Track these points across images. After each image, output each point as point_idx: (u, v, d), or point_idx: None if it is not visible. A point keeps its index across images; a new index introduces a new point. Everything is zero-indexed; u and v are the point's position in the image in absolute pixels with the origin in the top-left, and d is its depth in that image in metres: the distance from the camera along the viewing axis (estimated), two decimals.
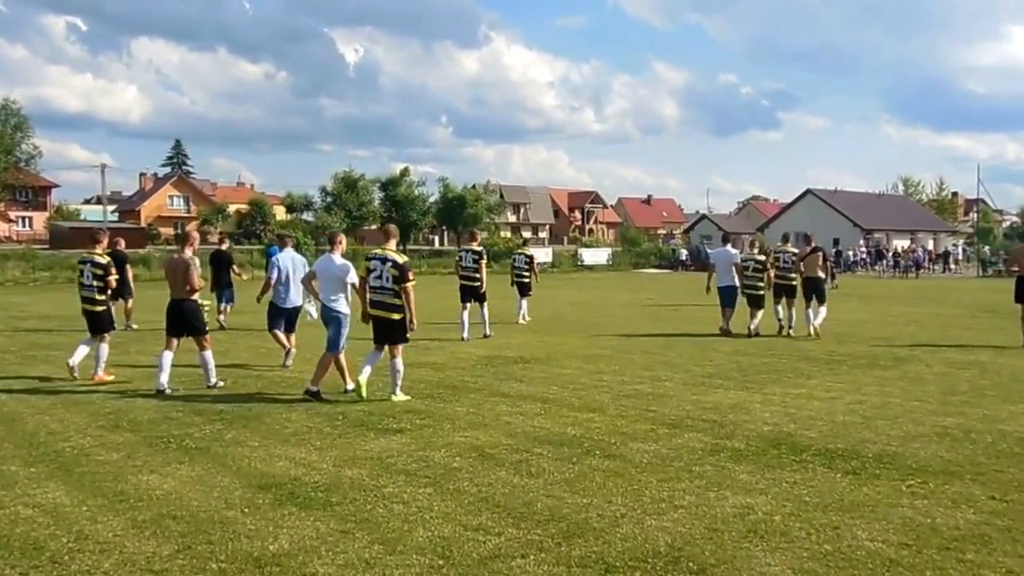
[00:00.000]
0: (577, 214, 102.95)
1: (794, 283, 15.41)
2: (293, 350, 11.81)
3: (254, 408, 8.91)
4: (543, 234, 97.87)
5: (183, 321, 9.82)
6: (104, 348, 10.71)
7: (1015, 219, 76.71)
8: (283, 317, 11.87)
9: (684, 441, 7.34)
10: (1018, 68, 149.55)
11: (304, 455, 7.00)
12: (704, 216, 62.68)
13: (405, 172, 67.08)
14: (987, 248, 53.31)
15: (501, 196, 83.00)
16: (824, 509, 5.54)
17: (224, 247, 17.68)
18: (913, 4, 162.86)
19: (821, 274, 15.68)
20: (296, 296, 11.89)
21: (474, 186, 71.69)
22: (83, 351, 10.70)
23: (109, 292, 10.81)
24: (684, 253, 54.53)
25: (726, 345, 13.83)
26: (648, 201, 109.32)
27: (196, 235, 10.85)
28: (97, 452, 7.18)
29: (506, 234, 78.55)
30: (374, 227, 68.70)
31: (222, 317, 16.66)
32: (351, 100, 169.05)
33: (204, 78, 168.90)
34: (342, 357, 9.54)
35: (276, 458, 6.92)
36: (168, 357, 9.84)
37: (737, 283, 15.42)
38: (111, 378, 10.53)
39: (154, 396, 9.50)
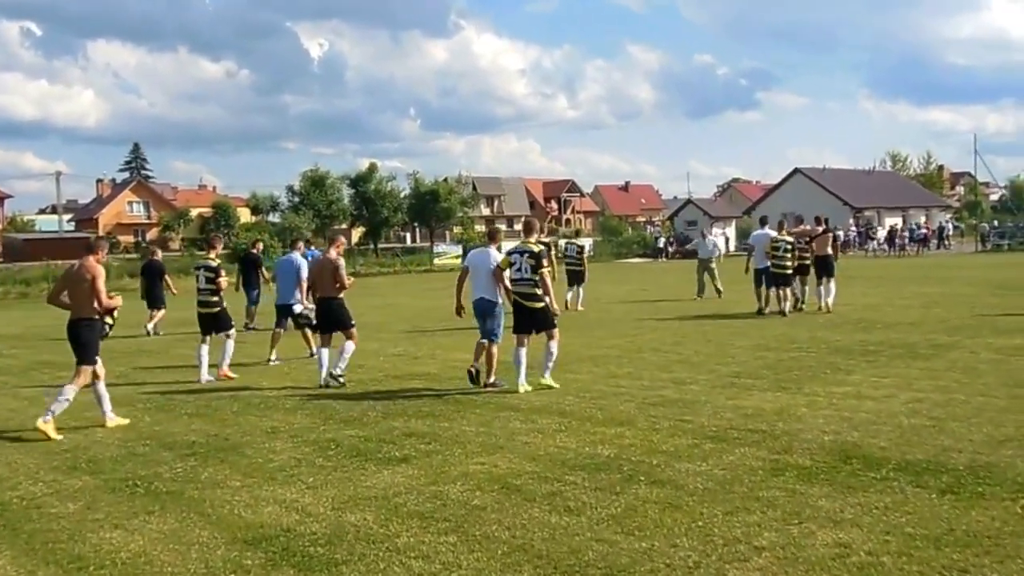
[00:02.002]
0: (553, 204, 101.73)
1: (808, 262, 16.34)
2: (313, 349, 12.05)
3: (231, 437, 7.79)
4: (518, 226, 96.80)
5: (333, 317, 10.29)
6: (230, 345, 11.13)
7: (1003, 191, 76.53)
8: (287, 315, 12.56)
9: (737, 458, 6.31)
10: (997, 38, 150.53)
11: (296, 496, 5.90)
12: (689, 201, 61.76)
13: (373, 168, 65.72)
14: (985, 223, 52.72)
15: (474, 188, 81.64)
16: (937, 544, 4.53)
17: (211, 254, 16.07)
18: None
19: (831, 252, 16.64)
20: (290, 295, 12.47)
21: (446, 179, 70.37)
22: (205, 357, 11.01)
23: (222, 293, 11.15)
24: (662, 240, 53.62)
25: (743, 339, 12.84)
26: (626, 188, 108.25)
27: (342, 238, 11.98)
28: (50, 503, 6.05)
29: (481, 227, 77.47)
30: (344, 226, 67.40)
31: (151, 325, 17.16)
32: (316, 96, 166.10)
33: (163, 79, 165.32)
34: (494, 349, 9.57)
35: (263, 501, 5.82)
36: (325, 354, 10.31)
37: (770, 263, 15.93)
38: (236, 376, 11.03)
39: (115, 431, 8.32)
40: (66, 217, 79.97)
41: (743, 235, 53.14)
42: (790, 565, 4.36)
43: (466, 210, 72.61)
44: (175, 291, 17.84)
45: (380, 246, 64.16)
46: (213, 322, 11.12)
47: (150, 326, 17.07)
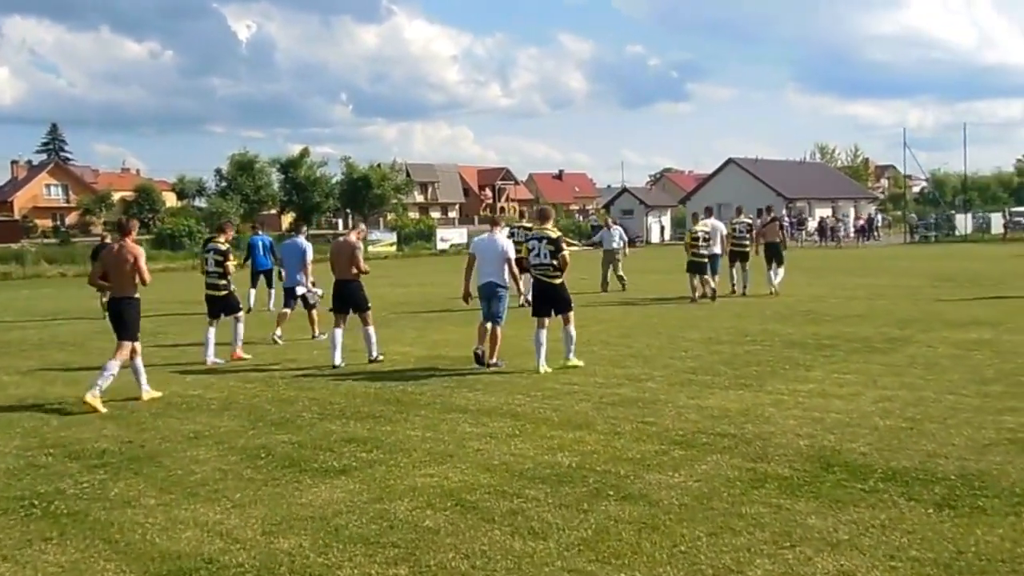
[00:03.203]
0: (488, 192, 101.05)
1: (747, 249, 18.00)
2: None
3: (148, 444, 6.98)
4: (453, 213, 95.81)
5: (350, 299, 10.48)
6: (240, 327, 11.29)
7: (925, 184, 78.42)
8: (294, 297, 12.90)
9: (711, 468, 5.79)
10: (917, 35, 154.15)
11: (220, 517, 5.17)
12: (625, 189, 61.54)
13: (305, 153, 64.06)
14: (914, 215, 53.70)
15: (408, 175, 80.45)
16: (949, 571, 4.06)
17: (221, 238, 14.54)
18: None
19: (779, 239, 18.29)
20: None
21: (379, 165, 68.99)
22: (212, 339, 11.06)
23: (230, 276, 11.31)
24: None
25: (694, 331, 12.42)
26: (560, 176, 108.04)
27: (363, 225, 12.77)
28: None
29: (414, 215, 76.17)
30: (273, 211, 65.60)
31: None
32: (244, 79, 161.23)
33: (83, 58, 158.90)
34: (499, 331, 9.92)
35: (181, 524, 5.07)
36: (339, 334, 10.42)
37: (719, 251, 17.35)
38: (249, 356, 11.19)
39: (10, 435, 7.44)
40: None
41: (679, 224, 53.29)
42: None
43: (400, 197, 71.43)
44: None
45: (311, 232, 62.49)
46: (222, 305, 11.28)
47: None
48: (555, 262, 9.57)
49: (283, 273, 13.39)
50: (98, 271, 9.01)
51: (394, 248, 47.72)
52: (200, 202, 64.29)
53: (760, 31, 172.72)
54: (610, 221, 22.50)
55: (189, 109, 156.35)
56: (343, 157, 68.70)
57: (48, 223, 71.01)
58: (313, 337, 12.59)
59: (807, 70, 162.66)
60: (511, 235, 19.85)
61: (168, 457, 6.55)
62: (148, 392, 8.74)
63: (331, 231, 70.28)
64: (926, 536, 4.49)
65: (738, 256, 17.91)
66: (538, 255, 9.69)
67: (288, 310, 13.02)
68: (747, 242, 17.97)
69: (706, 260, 16.72)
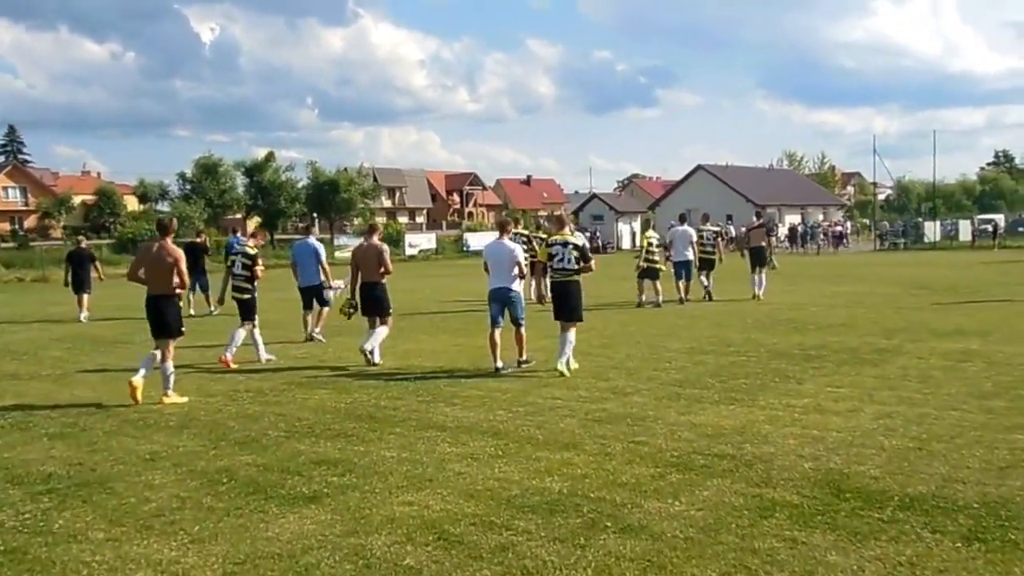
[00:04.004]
0: (456, 197, 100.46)
1: (713, 257, 18.54)
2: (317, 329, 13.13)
3: (99, 467, 6.41)
4: (420, 219, 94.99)
5: (375, 301, 10.69)
6: (241, 333, 11.22)
7: (891, 191, 79.18)
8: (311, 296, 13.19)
9: (713, 494, 5.36)
10: (883, 43, 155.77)
11: (176, 554, 4.64)
12: (594, 195, 61.37)
13: (270, 157, 62.99)
14: (886, 222, 53.94)
15: (375, 180, 79.56)
16: None
17: (250, 242, 13.85)
18: None
19: (764, 244, 18.52)
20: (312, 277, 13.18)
21: (346, 169, 68.07)
22: (259, 337, 11.34)
23: (256, 281, 11.48)
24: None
25: (675, 341, 12.03)
26: (528, 182, 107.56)
27: (380, 225, 13.27)
28: None
29: (382, 219, 75.28)
30: (239, 216, 64.39)
31: (80, 310, 17.64)
32: (208, 82, 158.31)
33: (43, 59, 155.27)
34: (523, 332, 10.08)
35: (133, 563, 4.54)
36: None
37: (690, 256, 17.57)
38: (236, 366, 10.83)
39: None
40: None
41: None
42: None
43: (367, 202, 70.54)
44: (103, 277, 18.89)
45: (277, 237, 61.49)
46: (242, 307, 11.41)
47: (83, 316, 17.48)
48: (578, 267, 9.73)
49: (297, 274, 13.45)
50: (136, 268, 9.09)
51: None
52: (163, 206, 62.94)
53: (728, 38, 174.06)
54: (572, 226, 21.71)
55: (152, 112, 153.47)
56: (309, 161, 67.84)
57: (6, 226, 69.22)
58: (311, 336, 12.99)
59: (774, 77, 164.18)
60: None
61: (121, 482, 5.99)
62: (171, 397, 8.67)
63: (297, 236, 69.16)
64: None
65: (704, 264, 18.24)
66: (562, 260, 9.78)
67: (309, 311, 13.23)
68: (712, 250, 18.52)
69: (659, 267, 17.22)
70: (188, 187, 60.08)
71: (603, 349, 11.49)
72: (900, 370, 9.34)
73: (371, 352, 10.49)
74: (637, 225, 57.69)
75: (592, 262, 9.89)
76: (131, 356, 12.02)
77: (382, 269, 10.64)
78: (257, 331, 11.34)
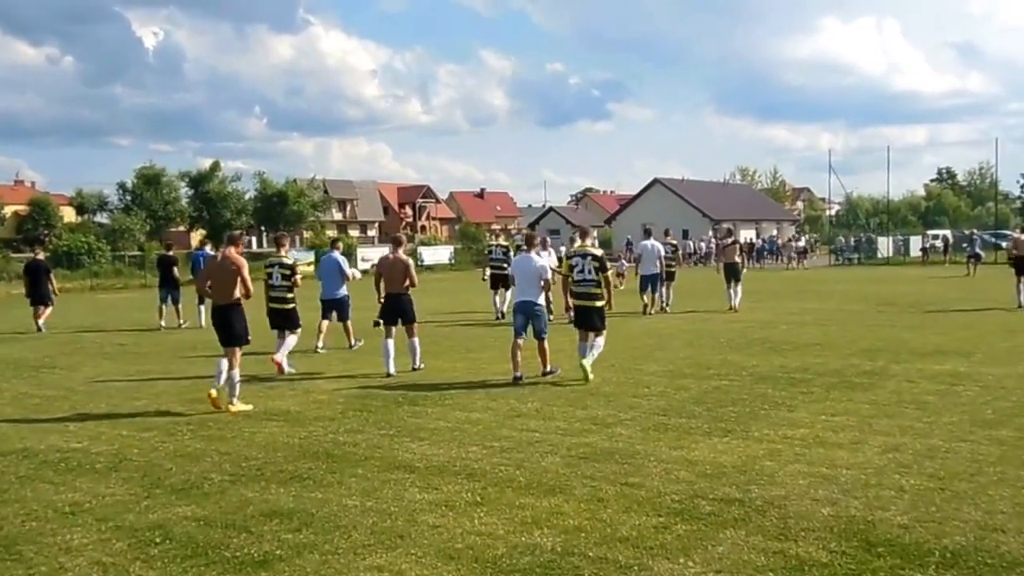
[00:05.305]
0: (408, 210, 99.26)
1: (673, 270, 19.29)
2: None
3: (7, 524, 5.48)
4: (372, 232, 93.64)
5: (400, 310, 10.98)
6: (292, 340, 11.62)
7: (839, 206, 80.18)
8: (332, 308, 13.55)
9: (728, 550, 4.67)
10: (829, 60, 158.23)
11: None
12: (551, 209, 61.07)
13: (216, 167, 61.39)
14: (842, 237, 54.21)
15: (326, 192, 78.20)
16: None
17: (283, 252, 14.17)
18: None
19: (738, 260, 19.09)
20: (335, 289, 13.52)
21: (295, 181, 66.65)
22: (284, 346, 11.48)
23: (296, 291, 11.89)
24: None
25: (651, 363, 11.38)
26: (481, 195, 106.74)
27: (404, 238, 12.76)
28: None
29: (333, 233, 73.76)
30: (182, 228, 62.60)
31: (41, 321, 17.99)
32: (151, 89, 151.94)
33: None
34: (546, 344, 10.33)
35: None
36: (391, 344, 10.88)
37: (657, 270, 17.70)
38: (292, 369, 11.25)
39: None
40: None
41: (605, 244, 52.77)
42: None
43: (317, 214, 69.24)
44: (57, 292, 19.14)
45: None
46: (285, 319, 11.77)
47: (40, 322, 17.92)
48: (598, 278, 9.93)
49: (322, 287, 13.75)
50: (204, 280, 9.42)
51: (312, 268, 45.77)
52: (102, 217, 60.68)
53: (679, 53, 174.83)
54: (593, 239, 21.16)
55: (92, 119, 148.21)
56: (257, 172, 66.18)
57: None
58: (350, 346, 13.43)
59: (725, 92, 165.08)
60: (488, 252, 19.21)
61: (32, 544, 5.09)
62: (237, 405, 8.82)
63: (245, 250, 67.28)
64: None
65: (666, 276, 18.72)
66: (582, 271, 10.02)
67: (326, 321, 13.53)
68: (673, 263, 19.39)
69: (674, 271, 18.98)
70: (128, 198, 58.12)
71: (575, 372, 10.78)
72: (892, 395, 8.80)
73: (419, 365, 11.14)
74: (594, 239, 57.33)
75: (610, 273, 10.32)
76: (53, 383, 11.06)
77: (407, 282, 10.94)
78: (294, 338, 11.64)
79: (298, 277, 11.85)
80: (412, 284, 11.03)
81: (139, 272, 41.44)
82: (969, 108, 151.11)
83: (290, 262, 12.05)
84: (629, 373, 10.60)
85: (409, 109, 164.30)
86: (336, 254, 14.18)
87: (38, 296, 18.49)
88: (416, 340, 11.17)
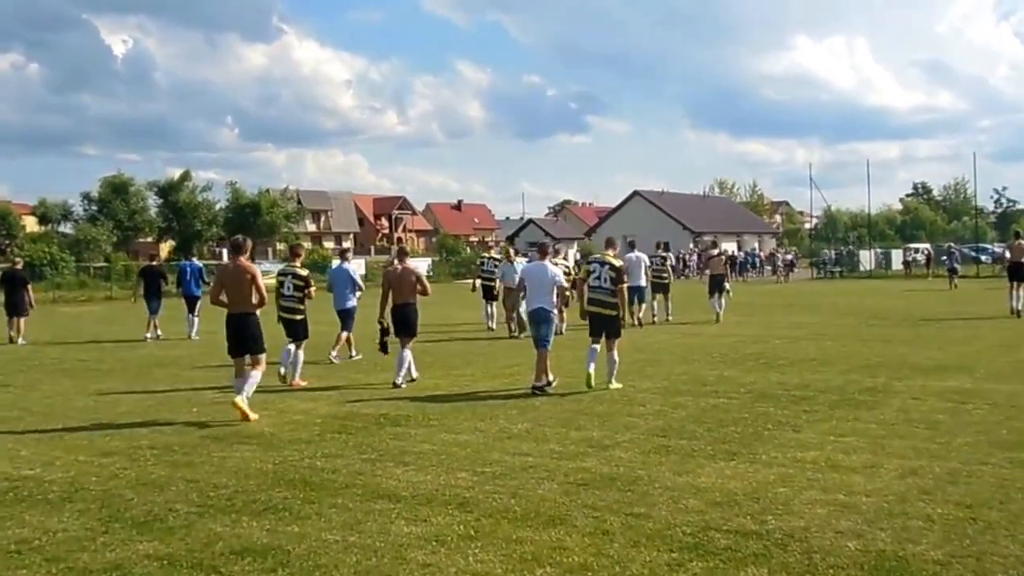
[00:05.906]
0: (384, 221, 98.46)
1: (666, 281, 19.46)
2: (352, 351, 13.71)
3: None
4: (348, 243, 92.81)
5: (405, 322, 10.95)
6: (300, 355, 11.28)
7: (817, 219, 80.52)
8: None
9: None
10: (804, 76, 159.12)
11: None
12: (530, 221, 60.69)
13: (186, 176, 60.31)
14: (827, 250, 54.11)
15: (299, 202, 77.32)
16: None
17: (296, 262, 13.13)
18: (708, 12, 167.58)
19: (724, 272, 19.43)
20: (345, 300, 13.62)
21: (268, 191, 65.67)
22: (288, 358, 11.18)
23: (308, 302, 11.61)
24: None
25: (644, 380, 10.90)
26: (458, 207, 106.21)
27: (408, 249, 13.19)
28: None
29: (307, 244, 72.90)
30: (150, 239, 61.46)
31: (17, 335, 17.79)
32: (119, 97, 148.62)
33: None
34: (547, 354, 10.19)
35: None
36: (408, 353, 10.91)
37: (643, 282, 17.57)
38: (306, 383, 11.08)
39: None
40: None
41: (586, 257, 52.46)
42: None
43: (291, 225, 68.28)
44: (33, 304, 18.91)
45: (206, 262, 58.79)
46: (294, 329, 11.44)
47: (20, 340, 17.67)
48: (614, 287, 10.01)
49: (333, 298, 13.82)
50: (217, 290, 9.30)
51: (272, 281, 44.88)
52: (66, 227, 59.34)
53: (656, 66, 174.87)
54: (512, 253, 19.40)
55: (57, 127, 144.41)
56: (229, 182, 64.90)
57: None
58: (350, 357, 13.55)
59: (701, 107, 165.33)
60: (480, 264, 18.90)
61: None
62: (242, 403, 8.78)
63: (215, 261, 66.25)
64: None
65: (658, 288, 19.27)
66: (598, 278, 10.12)
67: (345, 332, 13.54)
68: (666, 275, 19.64)
69: (667, 282, 19.38)
70: (94, 208, 56.94)
71: (564, 390, 10.30)
72: (900, 414, 8.40)
73: (402, 384, 10.74)
74: (573, 252, 57.10)
75: (624, 286, 10.31)
76: (6, 403, 10.44)
77: (419, 290, 10.95)
78: (301, 353, 11.33)
79: (312, 290, 11.52)
80: (425, 293, 11.00)
81: (104, 284, 40.53)
82: (940, 125, 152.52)
83: (304, 273, 11.74)
84: (622, 390, 10.12)
85: (385, 120, 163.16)
86: (347, 265, 14.27)
87: (14, 307, 18.30)
88: (408, 353, 10.88)
